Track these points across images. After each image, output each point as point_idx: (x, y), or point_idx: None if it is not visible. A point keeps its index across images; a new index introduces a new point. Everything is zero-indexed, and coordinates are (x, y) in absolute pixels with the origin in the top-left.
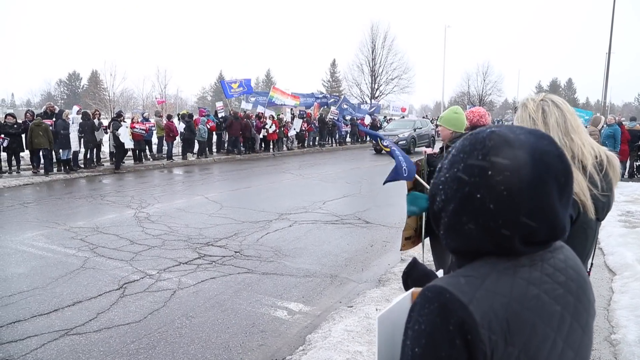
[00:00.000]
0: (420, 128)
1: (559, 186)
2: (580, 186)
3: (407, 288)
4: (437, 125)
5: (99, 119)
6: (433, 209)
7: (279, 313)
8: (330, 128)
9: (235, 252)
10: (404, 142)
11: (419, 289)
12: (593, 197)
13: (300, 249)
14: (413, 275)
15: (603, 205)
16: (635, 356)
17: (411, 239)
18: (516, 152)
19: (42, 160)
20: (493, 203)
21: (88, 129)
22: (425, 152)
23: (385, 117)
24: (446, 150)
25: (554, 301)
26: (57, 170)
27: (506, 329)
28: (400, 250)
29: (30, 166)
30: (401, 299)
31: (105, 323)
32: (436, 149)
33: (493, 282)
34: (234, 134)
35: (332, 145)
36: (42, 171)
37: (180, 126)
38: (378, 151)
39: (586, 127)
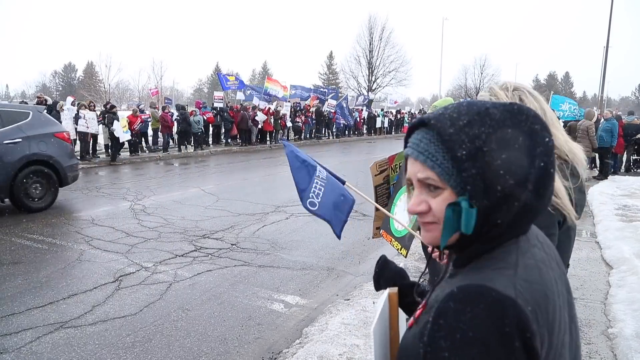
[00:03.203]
0: None
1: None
2: (562, 195)
3: (378, 287)
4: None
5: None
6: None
7: (276, 306)
8: (327, 121)
9: (231, 244)
10: None
11: (394, 289)
12: (576, 200)
13: (296, 241)
14: (385, 274)
15: (582, 205)
16: (632, 350)
17: (384, 229)
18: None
19: None
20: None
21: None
22: None
23: (382, 109)
24: None
25: (556, 280)
26: None
27: (547, 319)
28: (372, 238)
29: None
30: (383, 305)
31: (101, 316)
32: None
33: (523, 270)
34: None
35: (328, 138)
36: None
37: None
38: None
39: (577, 120)
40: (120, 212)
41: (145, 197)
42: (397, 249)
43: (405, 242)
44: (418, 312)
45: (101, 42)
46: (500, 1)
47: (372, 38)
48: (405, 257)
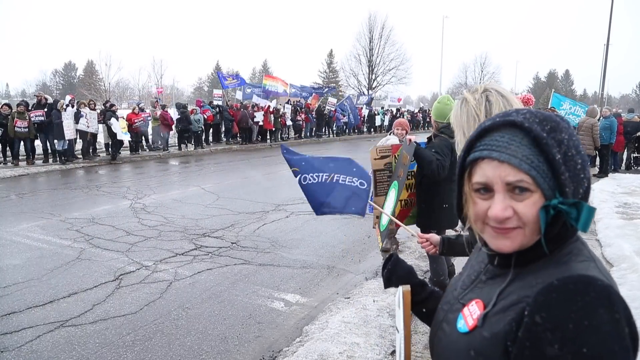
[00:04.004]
0: None
1: None
2: None
3: (388, 285)
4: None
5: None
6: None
7: (276, 304)
8: (327, 119)
9: (231, 243)
10: None
11: (407, 287)
12: None
13: (297, 240)
14: (398, 272)
15: None
16: None
17: (376, 225)
18: None
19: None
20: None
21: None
22: (409, 139)
23: (383, 107)
24: (434, 138)
25: None
26: (53, 161)
27: None
28: (373, 227)
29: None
30: (401, 303)
31: (101, 314)
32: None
33: (599, 262)
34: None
35: (329, 136)
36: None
37: (175, 115)
38: None
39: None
40: (120, 211)
41: (145, 196)
42: (378, 242)
43: (384, 235)
44: (474, 315)
45: (101, 41)
46: None
47: (372, 36)
48: (380, 249)
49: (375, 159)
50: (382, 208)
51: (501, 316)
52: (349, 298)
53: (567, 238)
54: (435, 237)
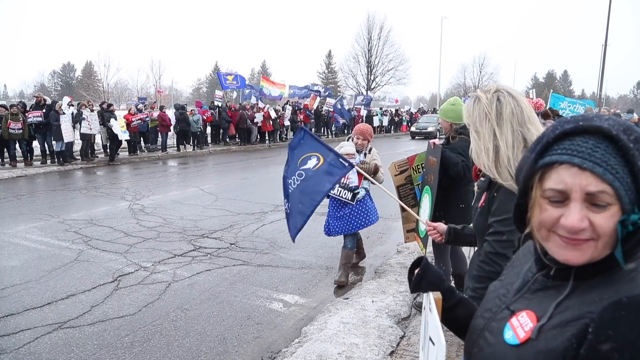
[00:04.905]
0: None
1: None
2: None
3: (416, 289)
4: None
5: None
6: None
7: (275, 305)
8: (326, 120)
9: (230, 244)
10: None
11: (438, 294)
12: None
13: (295, 240)
14: (428, 277)
15: None
16: None
17: (414, 231)
18: None
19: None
20: None
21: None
22: (433, 143)
23: (381, 108)
24: (452, 140)
25: None
26: (51, 162)
27: None
28: (405, 242)
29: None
30: (434, 310)
31: (100, 316)
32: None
33: None
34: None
35: (327, 137)
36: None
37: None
38: None
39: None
40: (118, 212)
41: (144, 197)
42: (420, 248)
43: (425, 240)
44: (526, 327)
45: (100, 42)
46: None
47: (370, 37)
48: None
49: (395, 175)
50: (417, 217)
51: (559, 331)
52: (347, 299)
53: (634, 255)
54: (442, 226)
